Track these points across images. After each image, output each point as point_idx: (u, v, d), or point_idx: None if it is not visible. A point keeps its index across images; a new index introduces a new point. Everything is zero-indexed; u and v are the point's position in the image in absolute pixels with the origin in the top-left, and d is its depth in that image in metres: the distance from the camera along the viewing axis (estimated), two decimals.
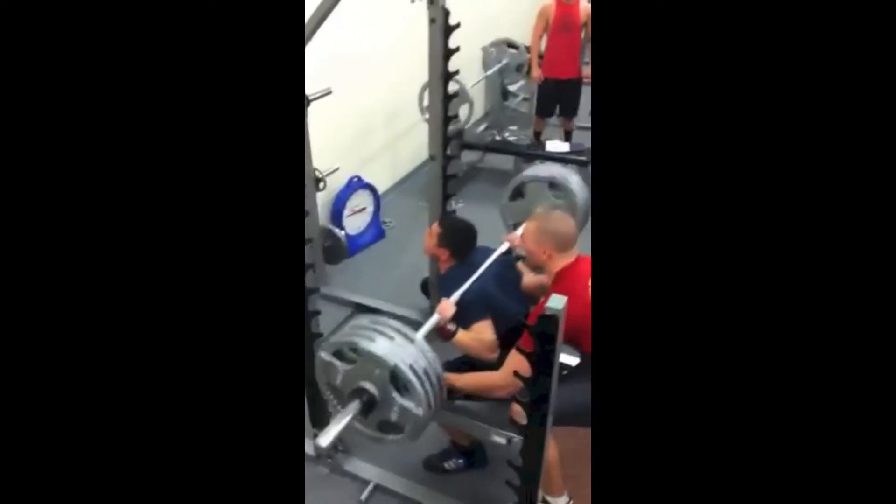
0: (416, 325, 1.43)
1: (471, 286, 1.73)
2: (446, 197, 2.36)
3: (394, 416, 1.29)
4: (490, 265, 1.82)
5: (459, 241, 1.91)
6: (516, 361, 1.44)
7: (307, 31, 1.74)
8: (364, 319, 1.32)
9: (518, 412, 1.39)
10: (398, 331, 1.28)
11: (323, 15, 1.68)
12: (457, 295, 1.70)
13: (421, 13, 2.01)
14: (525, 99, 4.51)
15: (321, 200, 2.97)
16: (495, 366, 1.61)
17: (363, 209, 3.32)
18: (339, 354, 1.31)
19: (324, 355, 1.32)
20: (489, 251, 1.90)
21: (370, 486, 1.92)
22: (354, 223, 3.28)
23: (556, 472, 1.74)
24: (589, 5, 4.01)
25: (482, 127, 4.35)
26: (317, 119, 2.41)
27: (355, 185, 3.24)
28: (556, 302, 1.12)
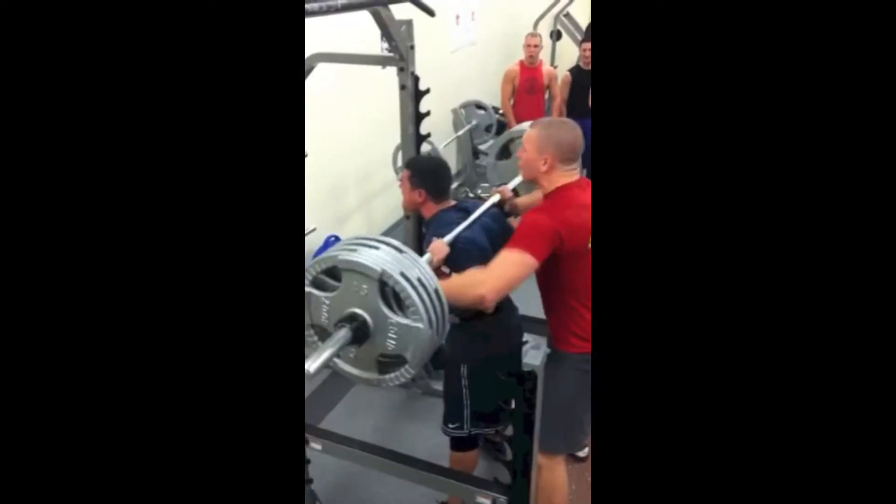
0: None
1: (462, 233, 1.60)
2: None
3: (391, 345, 1.06)
4: (480, 216, 1.68)
5: (431, 175, 1.78)
6: (501, 261, 1.37)
7: None
8: (344, 239, 1.13)
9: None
10: (385, 242, 1.07)
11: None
12: (450, 236, 1.56)
13: (391, 77, 2.09)
14: None
15: None
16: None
17: None
18: (318, 284, 1.08)
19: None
20: (478, 203, 1.77)
21: None
22: None
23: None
24: (550, 68, 4.24)
25: (455, 185, 4.45)
26: None
27: (332, 244, 3.25)
28: (534, 358, 1.13)
